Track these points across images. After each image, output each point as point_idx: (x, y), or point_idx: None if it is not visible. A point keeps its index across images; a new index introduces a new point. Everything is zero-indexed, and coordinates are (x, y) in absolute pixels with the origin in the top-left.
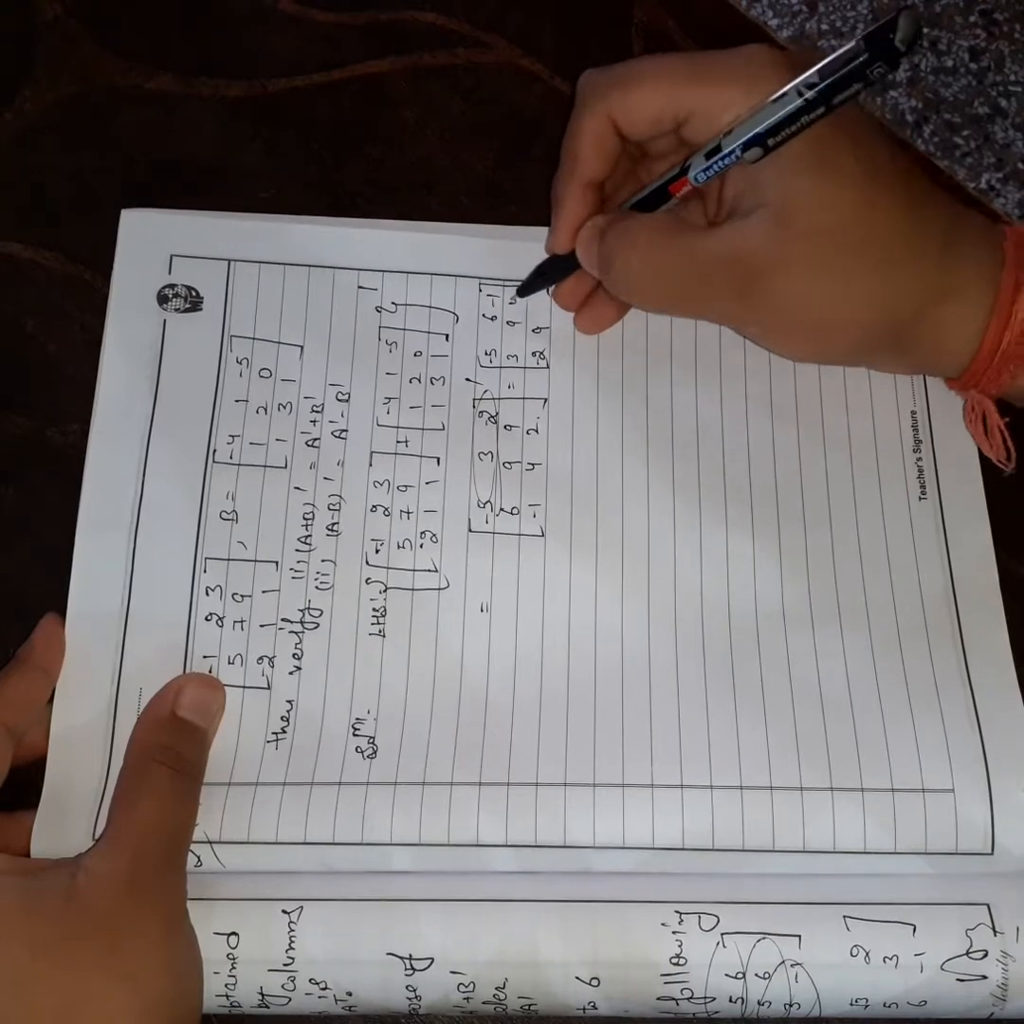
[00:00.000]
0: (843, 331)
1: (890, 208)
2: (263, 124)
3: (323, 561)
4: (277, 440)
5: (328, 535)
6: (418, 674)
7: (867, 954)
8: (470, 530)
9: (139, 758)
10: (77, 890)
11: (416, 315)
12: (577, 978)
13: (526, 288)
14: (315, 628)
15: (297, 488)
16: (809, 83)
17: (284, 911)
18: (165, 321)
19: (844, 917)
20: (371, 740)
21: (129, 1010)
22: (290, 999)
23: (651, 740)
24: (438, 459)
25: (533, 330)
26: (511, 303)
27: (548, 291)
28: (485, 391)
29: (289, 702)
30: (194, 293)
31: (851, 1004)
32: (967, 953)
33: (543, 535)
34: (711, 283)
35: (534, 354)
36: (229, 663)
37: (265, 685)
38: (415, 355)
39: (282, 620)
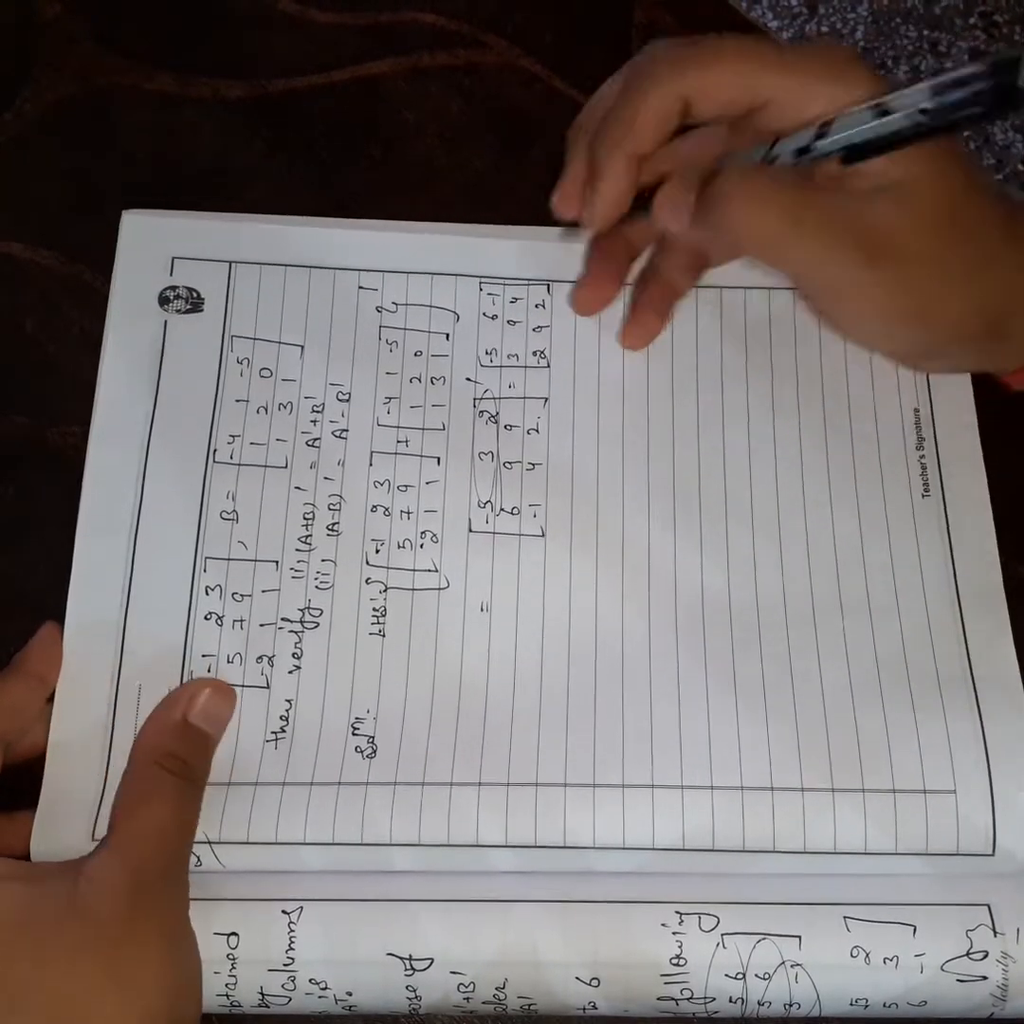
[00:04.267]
0: (942, 321)
1: (986, 196)
2: (263, 124)
3: (323, 561)
4: (277, 440)
5: (328, 535)
6: (418, 674)
7: (867, 955)
8: (470, 530)
9: (145, 761)
10: (79, 898)
11: (416, 315)
12: (577, 978)
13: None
14: (315, 628)
15: (297, 488)
16: (920, 104)
17: (284, 911)
18: (166, 322)
19: (844, 918)
20: (370, 740)
21: (130, 1019)
22: (290, 999)
23: (651, 740)
24: (438, 459)
25: (534, 329)
26: (512, 302)
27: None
28: (485, 390)
29: (288, 702)
30: (195, 294)
31: (851, 1004)
32: (967, 954)
33: (543, 535)
34: (837, 245)
35: (535, 353)
36: (228, 662)
37: (264, 684)
38: (415, 355)
39: (282, 620)
